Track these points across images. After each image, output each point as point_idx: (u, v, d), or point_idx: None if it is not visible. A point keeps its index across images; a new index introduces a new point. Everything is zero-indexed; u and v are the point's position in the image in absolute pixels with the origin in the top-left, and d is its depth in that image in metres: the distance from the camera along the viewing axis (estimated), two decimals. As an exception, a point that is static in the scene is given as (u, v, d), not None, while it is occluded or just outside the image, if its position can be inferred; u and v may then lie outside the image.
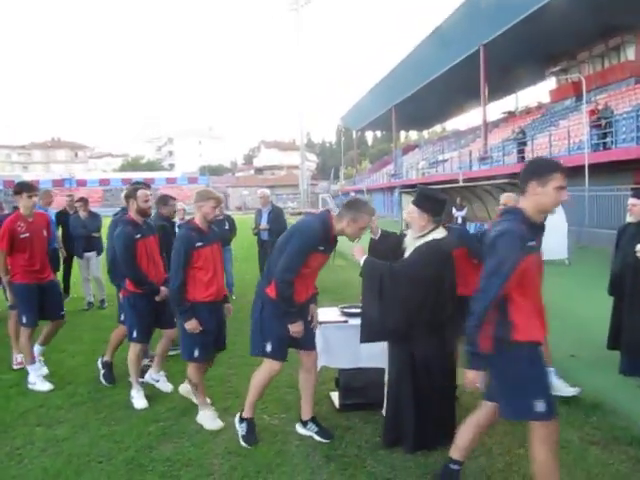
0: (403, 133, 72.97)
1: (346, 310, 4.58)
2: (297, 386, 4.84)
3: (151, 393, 4.84)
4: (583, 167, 16.50)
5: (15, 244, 5.03)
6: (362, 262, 3.77)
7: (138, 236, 4.60)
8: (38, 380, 5.07)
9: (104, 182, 67.32)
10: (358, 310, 4.22)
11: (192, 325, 4.04)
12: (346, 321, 4.37)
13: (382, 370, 4.12)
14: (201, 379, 4.28)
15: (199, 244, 4.04)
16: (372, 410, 4.24)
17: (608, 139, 18.74)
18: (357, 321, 4.05)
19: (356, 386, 4.39)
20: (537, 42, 25.06)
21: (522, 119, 33.73)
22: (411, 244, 3.78)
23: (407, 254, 3.78)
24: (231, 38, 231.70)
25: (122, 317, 5.00)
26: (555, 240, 12.21)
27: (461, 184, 17.77)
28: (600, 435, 3.88)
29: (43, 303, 5.19)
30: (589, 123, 18.89)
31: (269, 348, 3.76)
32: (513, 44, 25.20)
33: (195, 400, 4.35)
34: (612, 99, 23.13)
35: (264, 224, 8.90)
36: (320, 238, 3.62)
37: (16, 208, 5.40)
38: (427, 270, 3.56)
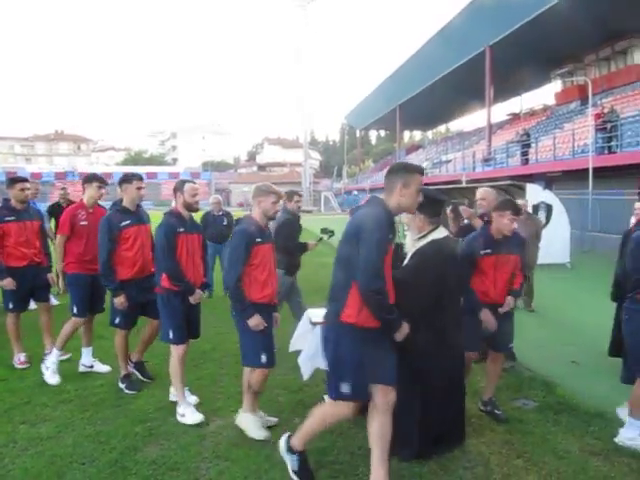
0: (407, 133, 72.74)
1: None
2: (290, 388, 4.75)
3: (140, 392, 4.73)
4: (587, 171, 16.34)
5: (74, 231, 5.09)
6: None
7: (181, 230, 4.29)
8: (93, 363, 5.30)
9: (106, 176, 66.88)
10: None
11: (256, 321, 3.76)
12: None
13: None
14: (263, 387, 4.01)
15: (259, 240, 3.84)
16: (366, 416, 4.10)
17: (613, 143, 18.56)
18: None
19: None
20: (543, 44, 24.85)
21: (527, 121, 33.55)
22: (411, 246, 3.67)
23: (408, 257, 3.66)
24: (237, 34, 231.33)
25: (117, 320, 4.80)
26: (557, 244, 12.09)
27: (464, 185, 17.60)
28: (601, 445, 3.76)
29: (92, 295, 5.20)
30: (594, 126, 18.72)
31: (346, 389, 3.01)
32: (519, 46, 25.01)
33: (248, 425, 3.94)
34: (618, 102, 22.91)
35: None
36: (389, 226, 3.05)
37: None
38: (428, 273, 3.44)
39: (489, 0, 24.21)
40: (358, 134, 67.06)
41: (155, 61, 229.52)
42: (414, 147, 56.69)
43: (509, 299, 4.27)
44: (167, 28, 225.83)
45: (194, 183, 4.54)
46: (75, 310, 5.12)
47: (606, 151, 18.57)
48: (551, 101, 33.32)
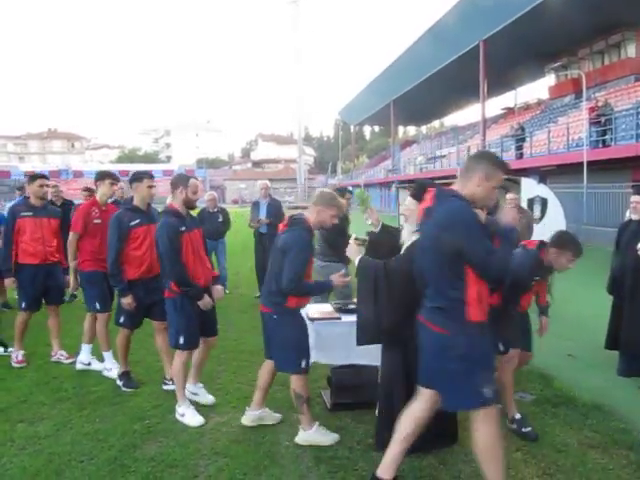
0: (401, 128, 72.74)
1: (339, 306, 4.45)
2: (287, 384, 4.73)
3: (138, 390, 4.72)
4: (582, 164, 16.38)
5: (87, 229, 5.07)
6: (357, 262, 3.64)
7: (183, 229, 4.12)
8: (114, 367, 5.08)
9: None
10: (352, 306, 4.08)
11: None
12: (339, 318, 4.24)
13: (376, 369, 3.99)
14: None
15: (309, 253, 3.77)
16: (365, 410, 4.12)
17: (607, 136, 18.60)
18: (350, 317, 3.93)
19: (349, 385, 4.27)
20: (537, 38, 24.85)
21: (521, 115, 33.57)
22: (408, 239, 3.66)
23: (404, 249, 3.66)
24: (230, 31, 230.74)
25: (122, 319, 4.74)
26: (553, 237, 12.10)
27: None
28: (599, 438, 3.77)
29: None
30: (588, 120, 18.75)
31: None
32: (513, 40, 24.99)
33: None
34: (612, 96, 22.96)
35: (264, 217, 8.54)
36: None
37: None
38: None
39: (483, -6, 24.17)
40: (352, 130, 66.99)
41: (148, 59, 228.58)
42: (408, 142, 56.69)
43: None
44: (160, 25, 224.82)
45: (196, 179, 4.46)
46: (98, 306, 5.11)
47: (600, 145, 18.62)
48: (545, 95, 33.38)
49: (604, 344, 5.30)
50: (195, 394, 4.44)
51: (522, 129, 24.59)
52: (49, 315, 5.60)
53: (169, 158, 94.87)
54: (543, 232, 11.56)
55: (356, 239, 3.85)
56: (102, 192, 5.21)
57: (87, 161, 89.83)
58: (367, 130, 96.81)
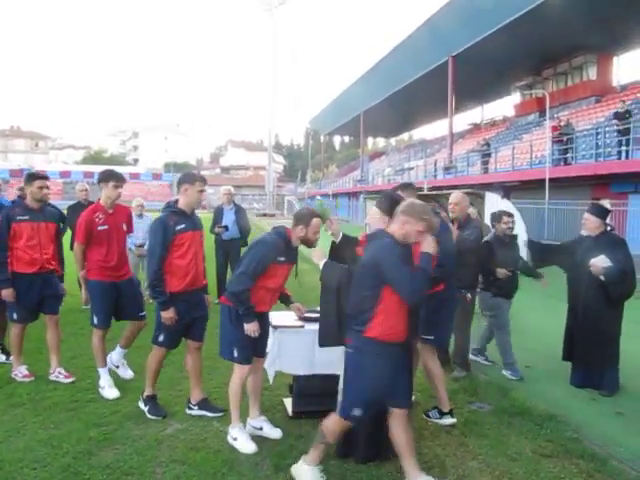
0: (370, 140, 73.47)
1: (303, 315, 4.46)
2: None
3: (95, 396, 4.62)
4: (544, 181, 16.85)
5: (92, 237, 4.62)
6: (321, 266, 3.68)
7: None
8: (107, 385, 4.67)
9: (65, 174, 65.31)
10: (315, 315, 4.10)
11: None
12: (302, 326, 4.25)
13: (337, 377, 4.01)
14: None
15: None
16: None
17: (569, 155, 19.22)
18: (314, 326, 3.94)
19: (310, 393, 4.28)
20: (504, 57, 25.54)
21: (487, 131, 34.37)
22: None
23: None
24: (203, 35, 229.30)
25: (160, 338, 4.21)
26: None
27: (426, 192, 17.88)
28: (552, 447, 3.87)
29: (120, 302, 4.77)
30: (551, 138, 19.33)
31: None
32: (481, 57, 25.62)
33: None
34: (573, 116, 23.76)
35: (228, 223, 8.49)
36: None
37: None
38: None
39: (454, 11, 24.70)
40: (322, 139, 67.37)
41: (118, 58, 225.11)
42: (377, 154, 57.26)
43: None
44: (130, 26, 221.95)
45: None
46: (95, 320, 4.72)
47: (562, 163, 19.20)
48: (511, 112, 34.25)
49: (561, 356, 5.44)
50: (259, 428, 4.01)
51: (488, 145, 25.18)
52: (47, 327, 5.10)
53: (136, 161, 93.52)
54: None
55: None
56: (106, 195, 4.72)
57: (51, 161, 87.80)
58: (337, 140, 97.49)
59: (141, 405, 4.32)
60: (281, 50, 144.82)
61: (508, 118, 34.44)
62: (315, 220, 3.80)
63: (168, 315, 4.06)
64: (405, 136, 67.54)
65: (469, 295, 5.36)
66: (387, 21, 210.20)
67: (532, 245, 6.16)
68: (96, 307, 4.73)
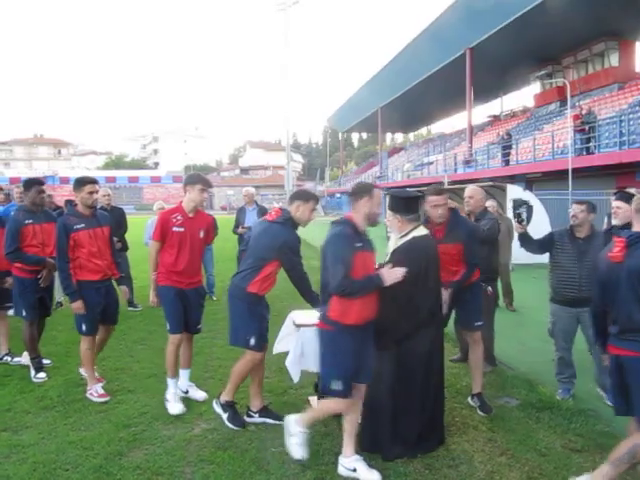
0: (389, 135, 73.17)
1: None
2: (275, 391, 4.76)
3: (124, 397, 4.69)
4: (567, 171, 16.57)
5: (166, 237, 4.42)
6: None
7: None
8: (173, 399, 4.44)
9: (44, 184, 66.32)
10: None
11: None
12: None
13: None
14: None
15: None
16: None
17: (591, 144, 18.87)
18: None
19: (335, 391, 4.28)
20: (523, 46, 25.22)
21: (507, 123, 33.93)
22: (394, 245, 3.73)
23: (389, 254, 3.73)
24: (219, 38, 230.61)
25: (253, 341, 4.01)
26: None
27: (446, 186, 17.75)
28: (583, 442, 3.82)
29: (185, 311, 4.52)
30: (573, 128, 19.00)
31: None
32: (499, 48, 25.33)
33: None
34: (596, 104, 23.30)
35: (250, 224, 8.52)
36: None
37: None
38: (412, 267, 3.48)
39: (470, 2, 24.43)
40: (340, 136, 67.26)
41: (137, 65, 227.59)
42: (396, 149, 57.02)
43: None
44: (148, 33, 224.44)
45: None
46: (168, 326, 4.49)
47: (585, 152, 18.86)
48: (531, 103, 33.77)
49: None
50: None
51: (509, 135, 24.81)
52: (101, 335, 4.93)
53: (157, 164, 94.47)
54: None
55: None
56: (189, 198, 4.50)
57: (74, 167, 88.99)
58: (355, 137, 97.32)
59: (217, 409, 4.19)
60: (297, 48, 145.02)
61: (528, 109, 33.97)
62: (377, 191, 3.52)
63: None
64: (424, 130, 67.11)
65: (490, 288, 5.31)
66: (405, 14, 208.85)
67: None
68: (167, 313, 4.50)
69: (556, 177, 18.40)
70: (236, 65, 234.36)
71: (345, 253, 3.28)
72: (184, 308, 4.50)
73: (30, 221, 5.14)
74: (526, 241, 4.97)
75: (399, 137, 74.23)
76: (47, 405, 4.55)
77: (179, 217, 4.46)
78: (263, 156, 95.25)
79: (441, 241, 4.12)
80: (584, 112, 19.39)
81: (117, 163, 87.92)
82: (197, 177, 4.61)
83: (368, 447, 3.65)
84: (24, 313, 5.20)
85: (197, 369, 5.22)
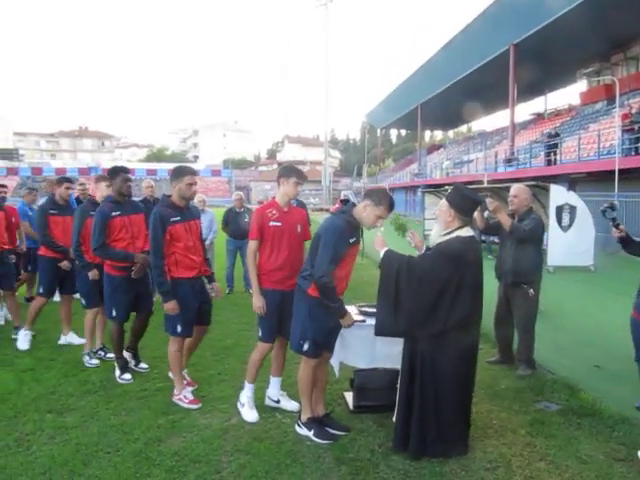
0: (428, 132, 72.28)
1: (364, 309, 4.46)
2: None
3: (163, 385, 4.79)
4: (613, 172, 16.06)
5: (264, 234, 4.10)
6: (382, 254, 3.66)
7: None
8: (248, 405, 4.22)
9: (130, 172, 68.12)
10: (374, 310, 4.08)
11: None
12: (364, 320, 4.25)
13: (397, 371, 3.98)
14: None
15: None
16: (387, 413, 4.10)
17: (640, 144, 18.22)
18: (374, 321, 3.93)
19: (371, 387, 4.28)
20: (569, 43, 24.47)
21: (551, 121, 33.07)
22: (436, 238, 3.68)
23: (432, 247, 3.71)
24: (260, 33, 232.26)
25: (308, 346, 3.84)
26: (581, 246, 11.92)
27: (485, 185, 17.44)
28: (626, 451, 3.70)
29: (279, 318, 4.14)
30: (621, 127, 18.38)
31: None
32: (544, 45, 24.67)
33: None
34: (646, 103, 22.47)
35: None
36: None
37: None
38: (445, 267, 3.44)
39: (514, -2, 23.89)
40: (379, 133, 66.85)
41: (179, 60, 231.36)
42: (435, 147, 56.27)
43: None
44: (192, 27, 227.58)
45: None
46: (260, 333, 4.21)
47: (633, 152, 18.22)
48: (576, 101, 32.84)
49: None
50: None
51: (557, 135, 24.10)
52: (197, 334, 4.70)
53: (196, 158, 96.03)
54: (572, 240, 11.44)
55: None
56: (284, 191, 4.15)
57: (116, 159, 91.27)
58: (393, 133, 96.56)
59: (301, 431, 3.90)
60: (337, 43, 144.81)
61: (573, 107, 33.02)
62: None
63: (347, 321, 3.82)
64: (464, 128, 66.04)
65: (531, 291, 5.19)
66: (447, 10, 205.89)
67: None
68: (263, 318, 4.16)
69: (601, 178, 17.83)
70: (277, 60, 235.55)
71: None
72: (279, 315, 4.12)
73: (117, 213, 4.91)
74: (629, 244, 4.56)
75: (438, 134, 73.21)
76: (89, 389, 4.70)
77: (274, 212, 4.14)
78: (301, 151, 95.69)
79: None
80: (633, 111, 18.73)
81: (158, 156, 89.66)
82: (292, 169, 4.24)
83: (401, 447, 3.63)
84: (114, 313, 4.94)
85: (235, 361, 5.28)
